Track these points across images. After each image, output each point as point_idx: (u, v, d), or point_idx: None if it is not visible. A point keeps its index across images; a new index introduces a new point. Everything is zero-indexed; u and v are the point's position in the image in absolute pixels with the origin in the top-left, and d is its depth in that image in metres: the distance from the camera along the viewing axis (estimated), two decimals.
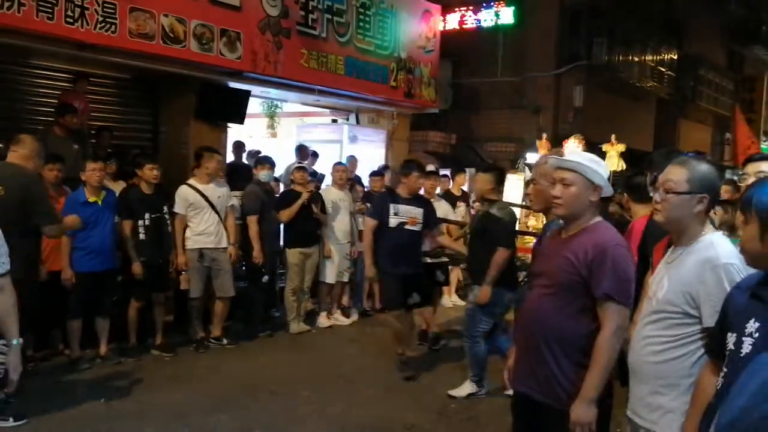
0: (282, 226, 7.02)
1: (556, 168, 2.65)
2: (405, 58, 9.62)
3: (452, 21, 11.84)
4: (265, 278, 6.81)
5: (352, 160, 8.78)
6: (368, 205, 7.84)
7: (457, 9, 11.90)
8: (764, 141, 18.56)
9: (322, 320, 7.36)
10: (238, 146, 9.06)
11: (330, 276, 7.27)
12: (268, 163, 6.96)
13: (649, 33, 14.55)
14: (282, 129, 10.88)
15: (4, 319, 2.69)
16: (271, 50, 7.55)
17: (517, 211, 7.25)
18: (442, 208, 7.20)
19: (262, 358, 6.11)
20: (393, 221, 5.58)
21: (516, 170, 10.24)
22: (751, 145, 13.11)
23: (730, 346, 1.74)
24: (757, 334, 1.66)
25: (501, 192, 5.50)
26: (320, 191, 7.41)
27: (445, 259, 6.93)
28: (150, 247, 5.79)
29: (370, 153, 9.86)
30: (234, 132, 8.61)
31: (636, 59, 13.96)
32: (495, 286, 4.88)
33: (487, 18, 11.82)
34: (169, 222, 5.99)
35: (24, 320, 4.43)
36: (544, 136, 8.71)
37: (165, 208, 5.95)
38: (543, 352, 2.54)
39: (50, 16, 5.61)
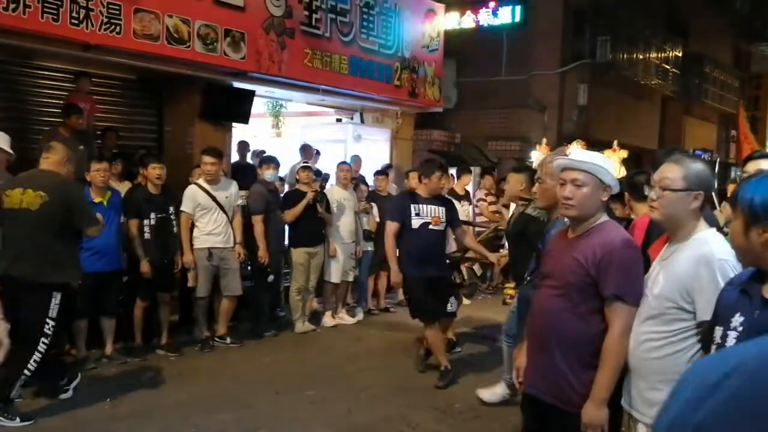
0: (287, 226, 7.03)
1: (564, 169, 2.61)
2: (409, 57, 9.61)
3: (453, 20, 11.84)
4: (271, 278, 6.83)
5: (357, 159, 8.81)
6: (373, 204, 7.86)
7: (461, 8, 11.91)
8: None
9: (327, 320, 7.37)
10: (243, 146, 9.09)
11: (335, 275, 7.28)
12: (273, 162, 6.96)
13: (653, 31, 14.51)
14: (287, 128, 10.90)
15: None
16: (275, 50, 7.57)
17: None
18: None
19: (267, 358, 6.13)
20: (415, 222, 5.35)
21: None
22: (745, 140, 13.07)
23: (717, 339, 1.78)
24: (740, 328, 1.70)
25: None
26: (324, 191, 7.41)
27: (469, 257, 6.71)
28: (155, 247, 5.81)
29: (375, 152, 9.86)
30: (239, 132, 8.63)
31: (640, 57, 13.92)
32: None
33: (491, 17, 11.82)
34: (174, 222, 6.01)
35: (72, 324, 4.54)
36: (544, 140, 8.68)
37: (171, 209, 5.98)
38: (553, 354, 2.54)
39: (55, 17, 5.64)
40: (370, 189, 8.17)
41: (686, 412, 1.20)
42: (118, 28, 6.08)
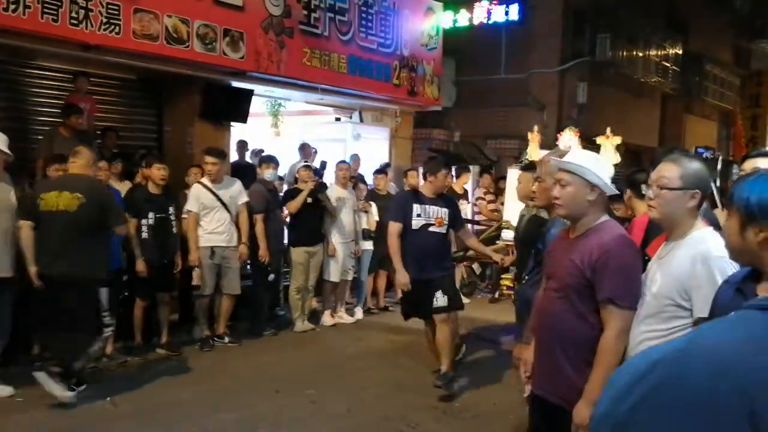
0: (286, 225, 7.04)
1: (557, 169, 2.67)
2: (408, 56, 9.61)
3: (455, 18, 11.84)
4: (271, 277, 6.84)
5: (356, 158, 8.81)
6: (372, 203, 7.86)
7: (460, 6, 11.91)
8: None
9: (327, 319, 7.38)
10: (241, 145, 9.09)
11: (334, 275, 7.29)
12: (273, 162, 6.98)
13: (653, 28, 14.49)
14: (285, 128, 10.90)
15: None
16: (274, 49, 7.57)
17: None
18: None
19: (266, 357, 6.14)
20: (416, 223, 5.14)
21: (519, 164, 10.19)
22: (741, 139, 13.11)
23: None
24: None
25: None
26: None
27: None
28: (153, 247, 5.81)
29: (374, 151, 9.87)
30: (238, 131, 8.64)
31: (640, 55, 13.91)
32: None
33: (490, 14, 11.81)
34: (174, 223, 6.02)
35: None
36: (536, 128, 8.62)
37: (171, 209, 5.99)
38: (558, 356, 2.55)
39: (55, 17, 5.65)
40: (369, 188, 8.18)
41: (610, 406, 1.23)
42: (117, 28, 6.09)
